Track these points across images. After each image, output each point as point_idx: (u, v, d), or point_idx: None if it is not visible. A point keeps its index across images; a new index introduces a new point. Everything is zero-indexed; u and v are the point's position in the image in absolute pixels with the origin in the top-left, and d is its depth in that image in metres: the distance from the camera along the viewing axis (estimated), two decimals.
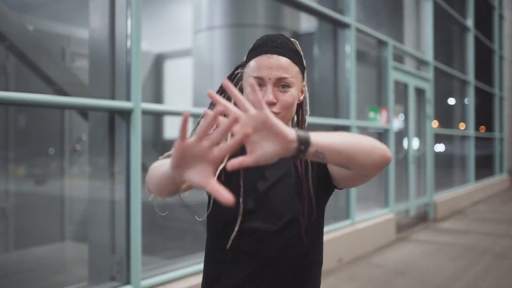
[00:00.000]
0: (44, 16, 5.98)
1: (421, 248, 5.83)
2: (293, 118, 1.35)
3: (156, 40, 6.96)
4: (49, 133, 5.70)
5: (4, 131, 5.16)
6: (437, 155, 9.19)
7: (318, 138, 0.96)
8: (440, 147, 9.92)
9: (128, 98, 2.98)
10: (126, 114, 2.97)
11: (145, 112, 3.06)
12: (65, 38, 5.92)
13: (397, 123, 7.15)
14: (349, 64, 5.50)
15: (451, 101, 10.79)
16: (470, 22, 10.84)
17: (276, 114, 1.20)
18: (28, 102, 2.67)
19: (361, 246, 5.46)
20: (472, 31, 10.94)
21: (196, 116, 5.02)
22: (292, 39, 1.29)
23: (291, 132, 0.93)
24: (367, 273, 4.71)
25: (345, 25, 5.50)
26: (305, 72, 1.31)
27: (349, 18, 5.51)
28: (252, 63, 1.24)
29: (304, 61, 1.30)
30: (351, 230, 5.31)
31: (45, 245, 5.36)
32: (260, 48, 1.25)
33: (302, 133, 0.95)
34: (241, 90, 1.32)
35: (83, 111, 3.65)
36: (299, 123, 1.36)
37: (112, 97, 3.08)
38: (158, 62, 7.16)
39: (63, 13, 6.14)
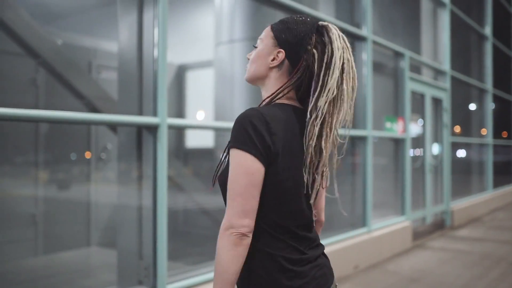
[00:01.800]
0: (71, 30, 6.24)
1: (437, 256, 5.92)
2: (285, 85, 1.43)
3: (178, 51, 7.16)
4: (76, 140, 5.95)
5: (34, 137, 5.41)
6: (458, 161, 9.28)
7: None
8: (462, 153, 10.01)
9: (154, 114, 3.19)
10: (153, 129, 3.17)
11: (171, 127, 3.26)
12: (91, 51, 6.17)
13: (416, 129, 7.27)
14: (366, 76, 5.65)
15: (472, 106, 10.83)
16: (488, 31, 10.88)
17: (247, 67, 1.49)
18: (59, 119, 2.86)
19: (377, 254, 5.58)
20: (490, 39, 10.97)
21: (217, 129, 5.21)
22: (300, 16, 1.47)
23: None
24: (382, 280, 4.83)
25: (362, 38, 5.65)
26: (286, 42, 1.41)
27: (366, 31, 5.66)
28: None
29: (287, 33, 1.41)
30: (367, 237, 5.44)
31: (72, 250, 5.59)
32: None
33: None
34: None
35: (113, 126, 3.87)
36: (280, 90, 1.42)
37: (140, 112, 3.28)
38: (180, 73, 7.37)
39: (89, 26, 6.40)
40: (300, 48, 1.42)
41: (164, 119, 3.17)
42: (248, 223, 1.27)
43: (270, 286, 1.32)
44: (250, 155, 1.27)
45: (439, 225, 7.75)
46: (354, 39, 5.71)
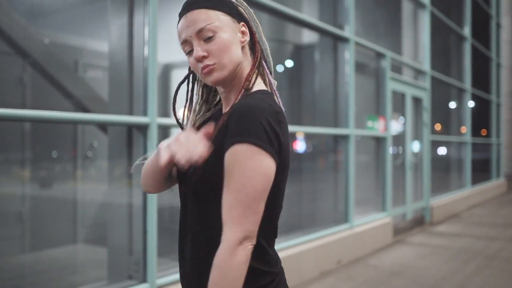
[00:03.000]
0: (56, 28, 6.27)
1: (416, 251, 6.11)
2: (255, 65, 1.25)
3: (164, 50, 7.21)
4: (62, 138, 6.00)
5: (20, 135, 5.44)
6: (439, 159, 9.54)
7: None
8: (442, 150, 10.29)
9: (145, 114, 3.29)
10: (143, 129, 3.27)
11: (161, 126, 3.36)
12: (78, 49, 6.21)
13: (397, 126, 7.46)
14: (349, 76, 5.81)
15: (452, 105, 11.10)
16: (467, 31, 11.15)
17: (213, 66, 1.18)
18: (50, 119, 2.90)
19: (359, 249, 5.75)
20: (469, 40, 11.25)
21: None
22: None
23: None
24: (364, 274, 5.00)
25: (344, 39, 5.80)
26: (238, 14, 1.23)
27: (349, 32, 5.81)
28: (177, 32, 1.23)
29: (231, 5, 1.23)
30: (349, 233, 5.60)
31: (58, 247, 5.65)
32: (179, 16, 1.23)
33: None
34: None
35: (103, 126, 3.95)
36: (258, 64, 1.26)
37: (130, 112, 3.38)
38: (166, 72, 7.45)
39: (75, 24, 6.43)
40: (244, 18, 1.27)
41: (154, 119, 3.27)
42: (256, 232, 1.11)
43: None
44: (269, 154, 1.09)
45: (419, 221, 7.96)
46: (337, 40, 5.85)
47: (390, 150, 6.86)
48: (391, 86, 6.91)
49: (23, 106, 5.40)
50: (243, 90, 1.20)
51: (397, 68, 7.61)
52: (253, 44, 1.27)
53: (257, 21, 1.30)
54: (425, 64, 8.45)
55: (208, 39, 1.18)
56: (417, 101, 8.16)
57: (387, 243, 6.42)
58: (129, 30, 3.42)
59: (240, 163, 1.07)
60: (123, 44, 3.43)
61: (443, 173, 10.08)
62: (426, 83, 8.40)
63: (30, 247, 5.48)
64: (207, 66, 1.18)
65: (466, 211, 9.84)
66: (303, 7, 6.04)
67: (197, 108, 1.34)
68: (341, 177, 5.80)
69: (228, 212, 1.08)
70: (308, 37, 6.41)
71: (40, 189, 5.63)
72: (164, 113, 7.29)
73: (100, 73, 6.28)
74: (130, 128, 3.37)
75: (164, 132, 7.12)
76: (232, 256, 1.05)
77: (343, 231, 5.56)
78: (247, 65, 1.25)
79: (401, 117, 7.61)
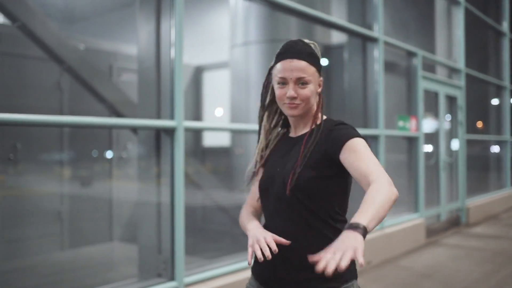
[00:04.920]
0: (91, 33, 6.49)
1: (450, 252, 6.02)
2: (318, 104, 1.70)
3: (196, 52, 7.35)
4: (98, 140, 6.21)
5: (59, 136, 5.67)
6: (492, 157, 9.39)
7: (370, 224, 1.31)
8: (496, 149, 10.12)
9: (172, 117, 3.39)
10: (170, 132, 3.38)
11: (187, 130, 3.46)
12: (111, 54, 6.41)
13: (431, 125, 7.36)
14: (378, 75, 5.78)
15: (493, 102, 10.83)
16: (505, 27, 10.84)
17: (298, 104, 1.60)
18: (84, 124, 3.07)
19: (390, 250, 5.71)
20: (508, 35, 10.94)
21: (232, 131, 5.34)
22: (310, 42, 1.65)
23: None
24: (394, 275, 4.97)
25: (373, 39, 5.77)
26: (321, 68, 1.66)
27: (378, 32, 5.78)
28: (278, 66, 1.62)
29: (319, 60, 1.64)
30: (380, 234, 5.58)
31: (95, 245, 5.86)
32: (283, 54, 1.61)
33: (362, 228, 1.28)
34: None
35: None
36: (322, 107, 1.70)
37: (158, 116, 3.49)
38: (197, 74, 7.58)
39: (109, 29, 6.63)
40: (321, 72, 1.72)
41: (180, 122, 3.37)
42: None
43: None
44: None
45: (454, 222, 7.82)
46: (366, 40, 5.83)
47: (423, 149, 6.78)
48: (423, 85, 6.82)
49: (60, 110, 5.61)
50: (314, 125, 1.64)
51: (430, 67, 7.49)
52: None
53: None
54: (460, 61, 8.28)
55: (301, 85, 1.59)
56: (451, 99, 8.01)
57: (419, 244, 6.35)
58: (156, 36, 3.53)
59: (365, 146, 1.60)
60: (152, 50, 3.54)
61: (481, 172, 9.85)
62: (461, 81, 8.24)
63: (69, 244, 5.71)
64: (294, 103, 1.60)
65: (504, 212, 9.58)
66: (331, 9, 6.04)
67: (271, 133, 1.77)
68: None
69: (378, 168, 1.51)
70: (337, 37, 6.40)
71: (80, 187, 5.86)
72: (196, 114, 7.44)
73: (133, 76, 6.47)
74: (158, 131, 3.48)
75: (197, 133, 7.28)
76: (391, 189, 1.41)
77: (373, 232, 5.54)
78: (314, 102, 1.66)
79: (448, 114, 7.54)
